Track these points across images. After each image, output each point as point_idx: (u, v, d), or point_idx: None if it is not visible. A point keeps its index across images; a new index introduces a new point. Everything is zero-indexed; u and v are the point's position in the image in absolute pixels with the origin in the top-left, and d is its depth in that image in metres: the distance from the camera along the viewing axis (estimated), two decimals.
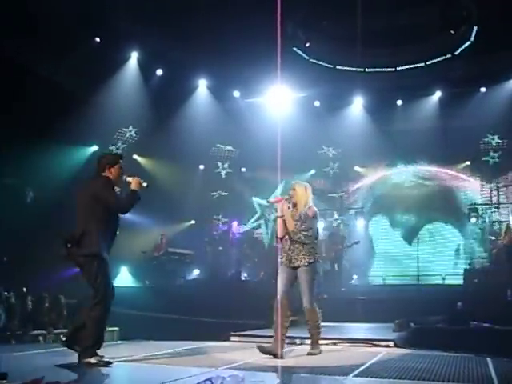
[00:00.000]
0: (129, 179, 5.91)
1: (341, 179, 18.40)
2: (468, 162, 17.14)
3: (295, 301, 6.72)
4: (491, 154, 17.01)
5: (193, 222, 16.69)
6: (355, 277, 16.23)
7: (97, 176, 5.92)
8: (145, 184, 5.89)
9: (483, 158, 17.05)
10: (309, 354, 6.58)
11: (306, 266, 6.56)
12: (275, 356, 6.10)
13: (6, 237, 11.59)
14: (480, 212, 16.04)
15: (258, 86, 15.54)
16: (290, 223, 6.66)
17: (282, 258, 6.70)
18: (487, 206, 16.47)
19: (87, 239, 5.68)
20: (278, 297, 6.52)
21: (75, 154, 14.42)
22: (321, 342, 7.89)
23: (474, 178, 17.16)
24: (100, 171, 5.90)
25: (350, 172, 18.26)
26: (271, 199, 7.71)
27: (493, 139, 16.93)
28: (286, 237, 6.69)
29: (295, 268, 6.61)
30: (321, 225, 16.34)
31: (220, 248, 15.61)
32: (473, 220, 15.90)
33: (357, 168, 18.09)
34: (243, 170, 18.45)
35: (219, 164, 18.26)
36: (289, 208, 6.79)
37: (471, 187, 17.22)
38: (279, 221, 6.76)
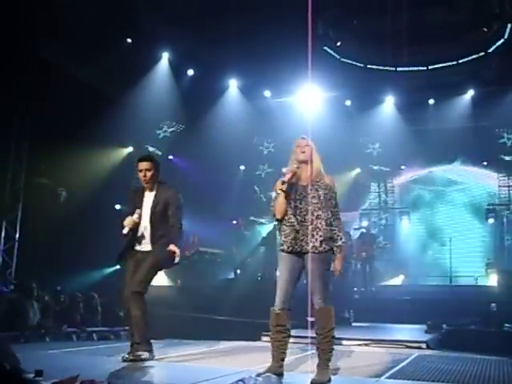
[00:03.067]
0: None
1: (382, 178, 18.30)
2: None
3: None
4: None
5: (234, 222, 16.64)
6: (402, 277, 16.16)
7: (164, 182, 6.06)
8: (125, 231, 5.87)
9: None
10: (314, 382, 4.65)
11: (321, 252, 4.85)
12: (278, 376, 4.83)
13: (39, 236, 11.77)
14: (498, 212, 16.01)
15: (289, 85, 15.53)
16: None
17: (283, 242, 4.95)
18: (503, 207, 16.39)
19: (163, 241, 5.82)
20: (276, 304, 4.89)
21: (110, 154, 14.58)
22: (352, 343, 7.89)
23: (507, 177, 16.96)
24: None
25: (391, 171, 18.16)
26: (286, 177, 4.96)
27: None
28: (290, 214, 4.96)
29: (301, 254, 4.92)
30: (365, 224, 16.43)
31: (246, 247, 15.63)
32: (490, 220, 15.83)
33: (402, 167, 17.99)
34: (284, 170, 18.33)
35: (260, 166, 18.24)
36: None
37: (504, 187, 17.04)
38: (281, 198, 4.96)
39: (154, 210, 5.87)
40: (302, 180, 5.04)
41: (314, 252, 4.83)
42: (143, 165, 5.87)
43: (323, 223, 4.88)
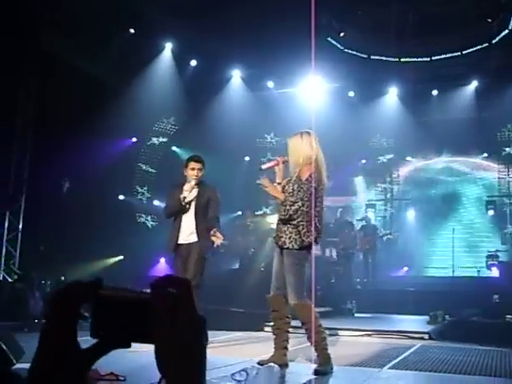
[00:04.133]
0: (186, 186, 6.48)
1: (387, 170, 18.27)
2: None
3: None
4: None
5: (239, 212, 16.61)
6: (405, 269, 16.18)
7: (204, 181, 6.61)
8: (184, 195, 6.35)
9: None
10: (316, 372, 4.71)
11: (289, 248, 4.97)
12: (280, 366, 4.97)
13: (42, 227, 11.79)
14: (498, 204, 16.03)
15: (292, 76, 15.49)
16: (276, 192, 5.15)
17: (274, 234, 5.32)
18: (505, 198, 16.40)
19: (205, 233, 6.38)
20: (271, 290, 5.14)
21: (113, 145, 14.58)
22: (355, 333, 7.92)
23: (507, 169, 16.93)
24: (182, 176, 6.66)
25: (397, 162, 18.14)
26: (265, 165, 5.48)
27: None
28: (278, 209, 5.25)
29: (281, 249, 5.11)
30: (371, 215, 16.40)
31: (252, 238, 15.64)
32: (490, 212, 15.85)
33: (408, 158, 17.95)
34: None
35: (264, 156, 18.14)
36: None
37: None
38: (278, 188, 5.20)
39: (199, 204, 6.40)
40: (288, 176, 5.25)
41: (285, 247, 5.03)
42: (197, 165, 6.44)
43: (295, 225, 4.99)
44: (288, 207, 4.97)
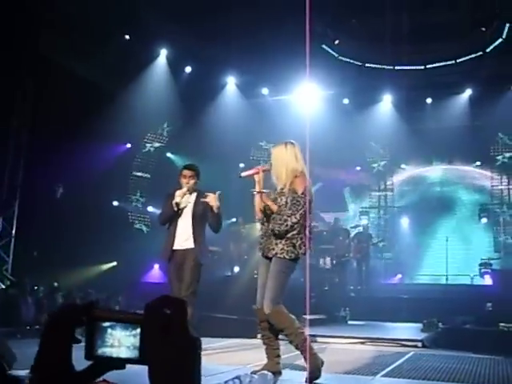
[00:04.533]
0: (177, 193, 6.45)
1: (381, 177, 18.28)
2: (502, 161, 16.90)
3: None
4: None
5: (234, 219, 16.58)
6: (399, 276, 16.18)
7: (200, 190, 6.59)
8: (176, 200, 6.30)
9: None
10: (308, 380, 4.64)
11: (280, 257, 4.90)
12: (274, 374, 4.84)
13: (36, 232, 11.76)
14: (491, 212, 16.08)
15: (287, 83, 15.52)
16: (272, 205, 5.03)
17: (259, 245, 5.17)
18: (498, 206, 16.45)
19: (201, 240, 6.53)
20: (257, 301, 5.02)
21: (107, 151, 14.57)
22: (348, 341, 7.91)
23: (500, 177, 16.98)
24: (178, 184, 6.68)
25: (391, 170, 18.16)
26: (244, 172, 5.36)
27: None
28: (262, 221, 5.15)
29: (269, 259, 5.02)
30: (364, 222, 16.39)
31: (246, 245, 15.64)
32: (483, 220, 15.89)
33: (402, 166, 17.98)
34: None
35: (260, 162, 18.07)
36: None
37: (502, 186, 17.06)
38: (257, 198, 5.11)
39: (195, 211, 6.39)
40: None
41: (274, 256, 4.94)
42: (188, 172, 6.46)
43: (289, 238, 4.90)
44: (284, 221, 4.88)
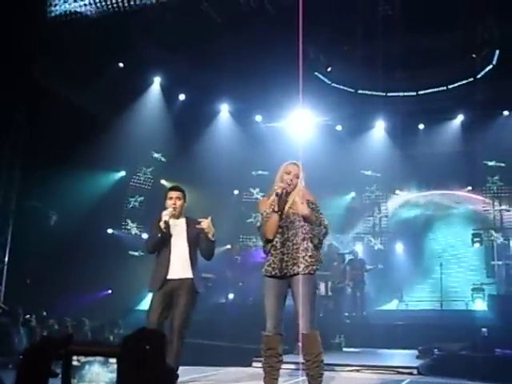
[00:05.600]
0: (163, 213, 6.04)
1: (375, 203, 18.30)
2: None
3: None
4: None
5: (228, 246, 16.52)
6: (394, 302, 16.11)
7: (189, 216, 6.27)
8: (164, 219, 5.90)
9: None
10: None
11: (308, 273, 4.78)
12: None
13: (29, 259, 11.70)
14: (483, 237, 16.06)
15: (280, 110, 15.62)
16: (310, 216, 4.85)
17: (268, 267, 4.90)
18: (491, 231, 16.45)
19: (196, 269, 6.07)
20: (267, 329, 4.83)
21: (101, 178, 14.57)
22: (343, 368, 7.85)
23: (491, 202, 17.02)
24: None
25: (385, 196, 18.18)
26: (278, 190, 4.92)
27: None
28: (276, 239, 4.90)
29: (287, 277, 4.85)
30: (359, 248, 16.39)
31: (240, 272, 15.58)
32: (476, 245, 15.90)
33: (396, 191, 18.01)
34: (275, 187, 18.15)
35: (252, 189, 18.05)
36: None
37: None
38: (274, 217, 4.87)
39: (190, 237, 6.00)
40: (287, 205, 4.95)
41: (304, 271, 4.76)
42: (175, 193, 6.10)
43: (310, 244, 4.85)
44: (320, 230, 4.88)
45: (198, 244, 5.97)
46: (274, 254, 4.86)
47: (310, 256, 4.80)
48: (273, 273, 4.83)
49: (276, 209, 4.87)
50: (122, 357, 1.12)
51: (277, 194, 4.86)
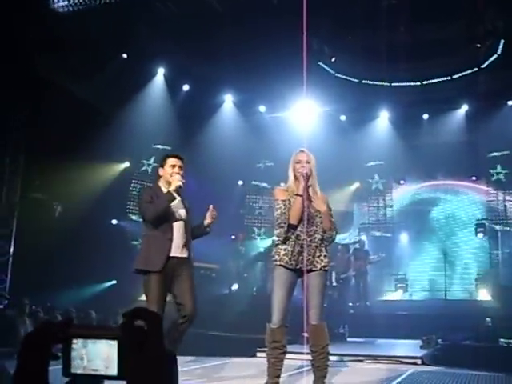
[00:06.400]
0: (171, 179, 5.45)
1: (380, 193, 18.27)
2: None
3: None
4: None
5: (232, 237, 16.53)
6: (398, 292, 16.12)
7: None
8: (179, 184, 5.36)
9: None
10: None
11: (325, 270, 4.83)
12: None
13: (33, 251, 11.74)
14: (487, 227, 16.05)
15: (284, 100, 15.60)
16: (326, 218, 4.85)
17: (285, 256, 4.76)
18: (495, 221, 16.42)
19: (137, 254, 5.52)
20: (273, 322, 4.75)
21: (105, 170, 14.59)
22: (347, 358, 7.87)
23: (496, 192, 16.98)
24: (157, 178, 5.67)
25: (389, 186, 18.16)
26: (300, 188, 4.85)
27: None
28: (297, 231, 4.79)
29: (300, 271, 4.79)
30: (363, 238, 16.36)
31: (244, 262, 15.62)
32: (480, 235, 15.88)
33: (401, 182, 17.98)
34: (282, 184, 18.17)
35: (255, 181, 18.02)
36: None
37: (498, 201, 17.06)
38: (298, 203, 4.77)
39: (189, 215, 5.57)
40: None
41: (319, 269, 4.78)
42: (178, 162, 5.55)
43: (323, 245, 4.86)
44: (331, 235, 4.89)
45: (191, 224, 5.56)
46: (291, 244, 4.76)
47: (325, 256, 4.82)
48: (289, 263, 4.73)
49: (300, 192, 4.76)
50: (122, 339, 1.13)
51: (306, 175, 4.78)
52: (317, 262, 4.77)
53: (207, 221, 5.55)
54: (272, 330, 4.77)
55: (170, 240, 5.31)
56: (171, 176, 5.43)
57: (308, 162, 4.88)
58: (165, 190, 5.38)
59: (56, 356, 1.20)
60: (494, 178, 16.79)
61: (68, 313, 10.54)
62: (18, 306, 9.79)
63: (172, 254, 5.28)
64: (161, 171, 5.56)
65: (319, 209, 4.84)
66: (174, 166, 5.48)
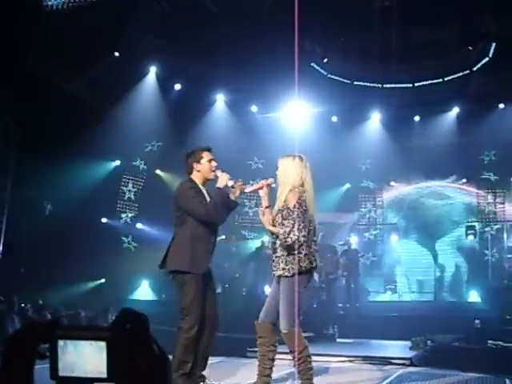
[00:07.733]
0: (218, 174, 5.23)
1: (371, 194, 18.28)
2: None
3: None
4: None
5: (223, 237, 16.49)
6: (388, 293, 16.13)
7: (183, 180, 5.36)
8: (230, 183, 5.16)
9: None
10: None
11: (283, 276, 4.83)
12: None
13: (23, 249, 11.68)
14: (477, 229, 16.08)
15: (276, 101, 15.60)
16: (272, 227, 4.94)
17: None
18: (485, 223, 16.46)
19: (175, 253, 5.13)
20: (260, 317, 4.96)
21: (96, 168, 14.53)
22: (336, 359, 7.88)
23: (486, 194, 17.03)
24: (188, 173, 5.35)
25: (380, 187, 18.17)
26: (249, 188, 5.32)
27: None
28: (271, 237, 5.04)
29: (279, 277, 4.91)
30: (354, 239, 16.23)
31: (235, 262, 15.60)
32: (470, 237, 15.92)
33: (391, 183, 18.00)
34: (273, 185, 18.12)
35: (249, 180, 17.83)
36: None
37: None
38: (262, 214, 5.05)
39: None
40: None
41: (279, 276, 4.88)
42: (212, 154, 5.39)
43: (281, 246, 4.86)
44: (285, 239, 4.74)
45: (179, 219, 5.24)
46: (272, 252, 5.02)
47: (279, 263, 4.85)
48: (271, 270, 4.99)
49: (266, 204, 5.08)
50: (112, 342, 1.11)
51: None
52: (277, 269, 4.86)
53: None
54: (256, 325, 4.93)
55: (214, 244, 5.21)
56: (212, 172, 5.26)
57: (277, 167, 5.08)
58: (202, 188, 5.24)
59: (43, 355, 1.18)
60: (485, 181, 16.85)
61: (57, 311, 10.50)
62: (7, 303, 9.74)
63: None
64: (197, 166, 5.27)
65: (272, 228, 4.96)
66: (211, 160, 5.31)
